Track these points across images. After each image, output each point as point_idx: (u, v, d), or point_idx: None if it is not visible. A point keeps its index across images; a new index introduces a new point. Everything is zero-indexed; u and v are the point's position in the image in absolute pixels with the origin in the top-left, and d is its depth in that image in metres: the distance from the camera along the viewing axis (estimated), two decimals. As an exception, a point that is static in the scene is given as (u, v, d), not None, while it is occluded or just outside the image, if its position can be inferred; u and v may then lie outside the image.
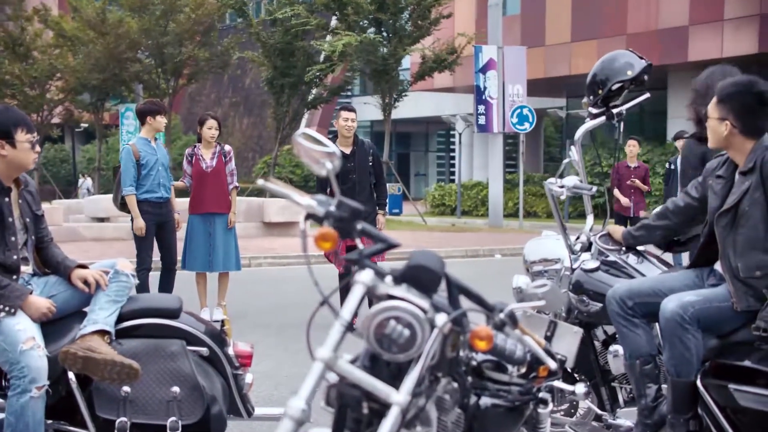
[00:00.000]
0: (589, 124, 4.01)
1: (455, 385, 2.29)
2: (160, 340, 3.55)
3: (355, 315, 2.17)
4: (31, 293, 3.52)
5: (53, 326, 3.52)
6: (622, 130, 4.05)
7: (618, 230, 3.99)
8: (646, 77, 3.93)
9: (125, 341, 3.51)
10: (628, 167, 11.71)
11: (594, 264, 3.88)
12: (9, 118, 3.56)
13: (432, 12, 21.84)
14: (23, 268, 3.60)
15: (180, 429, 3.43)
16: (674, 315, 3.33)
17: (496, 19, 21.10)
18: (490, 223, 21.05)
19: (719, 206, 3.42)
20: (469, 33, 22.59)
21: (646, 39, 21.40)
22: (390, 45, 21.64)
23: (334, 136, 7.66)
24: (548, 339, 3.64)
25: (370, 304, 2.18)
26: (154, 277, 7.75)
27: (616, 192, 11.61)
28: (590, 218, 4.16)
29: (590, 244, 4.03)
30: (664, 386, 3.54)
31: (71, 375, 3.41)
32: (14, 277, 3.54)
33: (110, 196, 8.77)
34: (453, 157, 36.19)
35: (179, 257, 8.02)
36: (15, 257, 3.54)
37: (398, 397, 2.07)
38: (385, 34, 21.91)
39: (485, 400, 2.35)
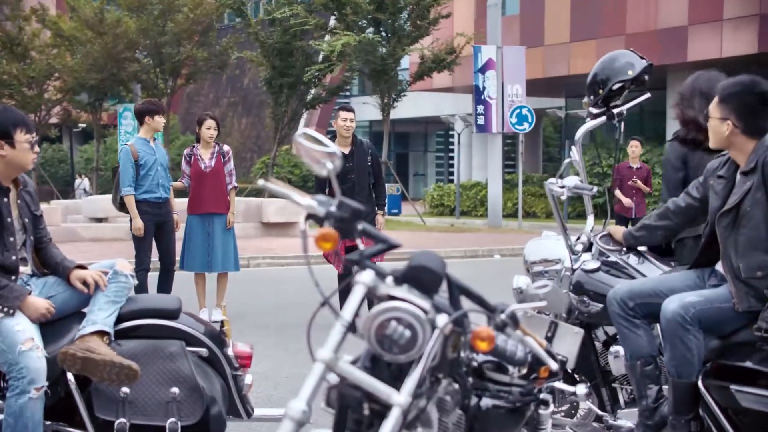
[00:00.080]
0: (590, 124, 4.00)
1: (456, 386, 2.29)
2: (160, 340, 3.54)
3: (356, 315, 2.17)
4: (29, 294, 3.51)
5: (52, 327, 3.51)
6: (622, 130, 4.04)
7: (619, 231, 3.98)
8: (646, 77, 3.92)
9: (124, 342, 3.50)
10: (630, 168, 11.70)
11: (595, 264, 3.87)
12: (8, 118, 3.55)
13: (431, 12, 21.83)
14: (22, 268, 3.59)
15: (179, 430, 3.42)
16: (675, 316, 3.32)
17: (495, 19, 21.10)
18: (489, 224, 21.05)
19: (720, 206, 3.41)
20: (468, 33, 22.59)
21: (645, 39, 21.39)
22: (389, 45, 21.63)
23: (332, 136, 7.65)
24: (549, 340, 3.64)
25: (370, 306, 2.17)
26: (153, 277, 7.73)
27: (618, 193, 11.59)
28: (591, 218, 4.15)
29: (591, 244, 4.02)
30: (665, 387, 3.54)
31: (70, 376, 3.40)
32: (13, 277, 3.52)
33: (109, 196, 8.76)
34: (452, 158, 36.19)
35: (178, 258, 8.01)
36: (14, 258, 3.53)
37: (399, 398, 2.07)
38: (383, 34, 21.91)
39: (486, 401, 2.35)
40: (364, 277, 2.19)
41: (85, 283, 3.56)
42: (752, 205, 3.28)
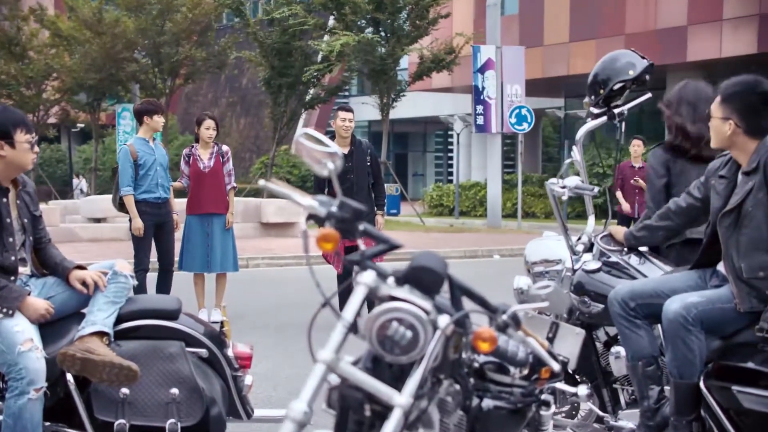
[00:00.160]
0: (591, 124, 3.99)
1: (457, 387, 2.29)
2: (159, 341, 3.53)
3: (357, 316, 2.16)
4: (29, 294, 3.50)
5: (51, 328, 3.50)
6: (623, 130, 4.03)
7: (620, 231, 3.97)
8: (647, 77, 3.92)
9: (124, 343, 3.49)
10: (632, 167, 11.68)
11: (596, 265, 3.86)
12: (8, 118, 3.54)
13: (430, 12, 21.81)
14: (21, 269, 3.58)
15: (179, 431, 3.41)
16: (677, 316, 3.31)
17: (494, 18, 21.08)
18: (489, 224, 21.04)
19: (722, 206, 3.40)
20: (467, 33, 22.57)
21: (644, 39, 21.38)
22: (388, 45, 21.62)
23: (331, 137, 7.63)
24: (550, 340, 3.63)
25: (369, 308, 2.16)
26: (151, 278, 7.72)
27: (619, 195, 11.57)
28: (592, 219, 4.14)
29: (592, 244, 4.01)
30: (666, 388, 3.53)
31: (69, 377, 3.39)
32: (12, 278, 3.51)
33: (107, 196, 8.75)
34: (451, 158, 36.18)
35: (176, 258, 7.99)
36: (13, 258, 3.52)
37: (401, 399, 2.06)
38: (383, 33, 21.90)
39: (487, 402, 2.34)
40: (366, 278, 2.18)
41: (84, 283, 3.55)
42: (754, 205, 3.27)
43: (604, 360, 3.93)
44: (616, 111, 3.94)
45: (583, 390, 2.96)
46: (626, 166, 11.77)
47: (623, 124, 3.99)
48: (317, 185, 7.60)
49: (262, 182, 2.34)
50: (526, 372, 2.40)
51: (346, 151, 7.57)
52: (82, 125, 32.48)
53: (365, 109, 25.50)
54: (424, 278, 2.16)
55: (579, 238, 4.07)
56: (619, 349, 3.72)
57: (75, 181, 32.47)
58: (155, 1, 24.80)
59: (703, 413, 3.34)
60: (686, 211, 3.73)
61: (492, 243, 16.10)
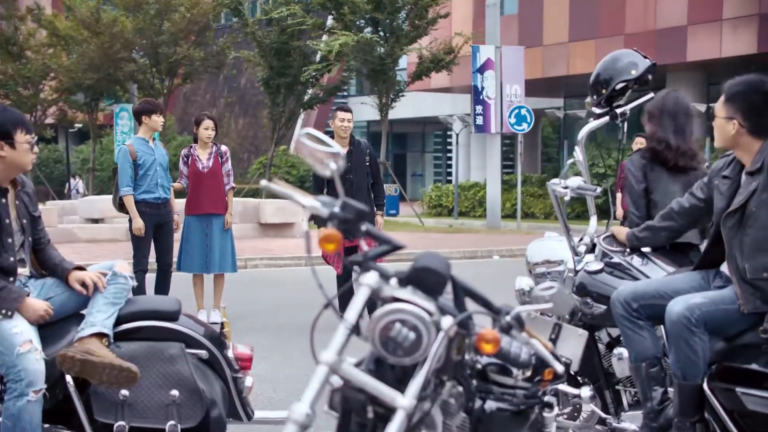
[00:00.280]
0: (593, 124, 3.98)
1: (460, 388, 2.27)
2: (159, 343, 3.51)
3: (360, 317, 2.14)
4: (28, 295, 3.48)
5: (51, 329, 3.48)
6: (625, 130, 4.01)
7: (622, 231, 3.96)
8: (650, 77, 3.90)
9: (123, 344, 3.47)
10: None
11: (598, 266, 3.84)
12: (8, 118, 3.52)
13: (429, 11, 21.79)
14: (20, 270, 3.56)
15: (179, 433, 3.40)
16: (680, 317, 3.30)
17: (493, 18, 21.06)
18: (488, 224, 21.02)
19: (726, 207, 3.38)
20: (466, 33, 22.56)
21: (644, 39, 21.38)
22: (387, 45, 21.60)
23: (330, 137, 7.62)
24: (552, 342, 3.61)
25: (370, 312, 2.15)
26: (149, 278, 7.69)
27: (618, 195, 11.54)
28: (594, 219, 4.13)
29: (594, 245, 3.99)
30: (670, 389, 3.51)
31: (69, 378, 3.37)
32: (11, 279, 3.49)
33: (105, 197, 8.72)
34: (450, 158, 36.17)
35: (174, 259, 7.96)
36: (12, 259, 3.50)
37: (404, 401, 2.05)
38: (381, 33, 21.87)
39: (490, 404, 2.33)
40: (368, 279, 2.16)
41: (83, 284, 3.53)
42: (758, 205, 3.25)
43: (606, 361, 3.92)
44: (618, 111, 3.92)
45: (586, 392, 2.95)
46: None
47: (625, 124, 3.98)
48: (316, 185, 7.58)
49: (264, 182, 2.33)
50: (529, 374, 2.39)
51: (345, 151, 7.53)
52: (80, 125, 32.48)
53: (364, 109, 25.49)
54: (427, 279, 2.15)
55: (581, 239, 4.06)
56: (621, 351, 3.70)
57: (72, 181, 32.42)
58: (153, 1, 24.81)
59: (707, 415, 3.33)
60: (689, 212, 3.72)
61: (491, 243, 16.08)
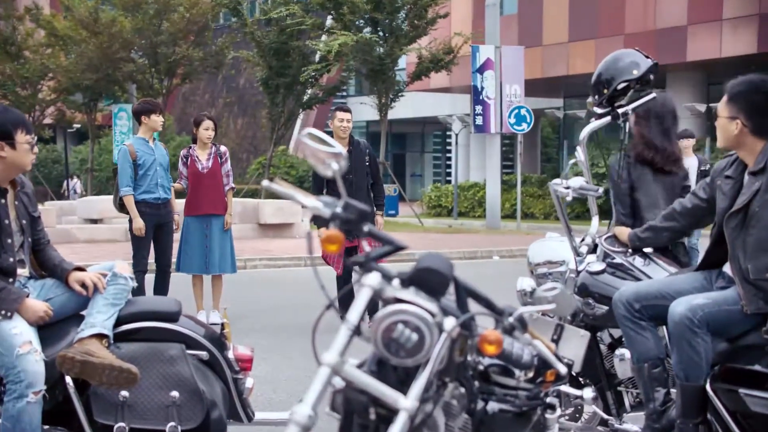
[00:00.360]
0: (595, 124, 3.96)
1: (462, 390, 2.27)
2: (159, 343, 3.49)
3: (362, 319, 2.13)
4: (27, 296, 3.46)
5: (50, 330, 3.47)
6: (627, 130, 4.00)
7: (624, 232, 3.94)
8: (652, 77, 3.89)
9: (123, 345, 3.46)
10: None
11: (600, 266, 3.83)
12: (9, 118, 3.51)
13: (428, 11, 21.77)
14: (20, 270, 3.54)
15: (179, 434, 3.38)
16: (683, 318, 3.28)
17: (493, 18, 21.05)
18: (488, 225, 21.00)
19: (728, 207, 3.37)
20: (465, 33, 22.55)
21: (644, 39, 21.38)
22: (386, 45, 21.58)
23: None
24: (554, 343, 3.59)
25: (370, 315, 2.14)
26: (148, 279, 7.67)
27: None
28: (595, 220, 4.12)
29: (596, 245, 3.98)
30: (672, 390, 3.50)
31: (69, 379, 3.36)
32: (10, 280, 3.48)
33: (103, 197, 8.70)
34: (449, 158, 36.16)
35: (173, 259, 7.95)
36: (11, 260, 3.48)
37: (406, 402, 2.04)
38: (381, 33, 21.85)
39: (492, 406, 2.32)
40: (371, 280, 2.15)
41: (83, 285, 3.51)
42: (761, 205, 3.24)
43: (608, 362, 3.90)
44: (620, 111, 3.91)
45: (588, 393, 2.94)
46: None
47: (627, 124, 3.97)
48: (316, 186, 7.56)
49: (265, 183, 2.31)
50: (531, 375, 2.38)
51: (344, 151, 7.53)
52: (78, 126, 32.45)
53: (363, 109, 25.48)
54: (429, 280, 2.14)
55: (583, 239, 4.04)
56: (623, 351, 3.69)
57: (72, 182, 32.39)
58: (152, 1, 24.78)
59: (710, 416, 3.32)
60: (691, 212, 3.71)
61: (491, 244, 16.06)
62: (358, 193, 7.51)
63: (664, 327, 3.51)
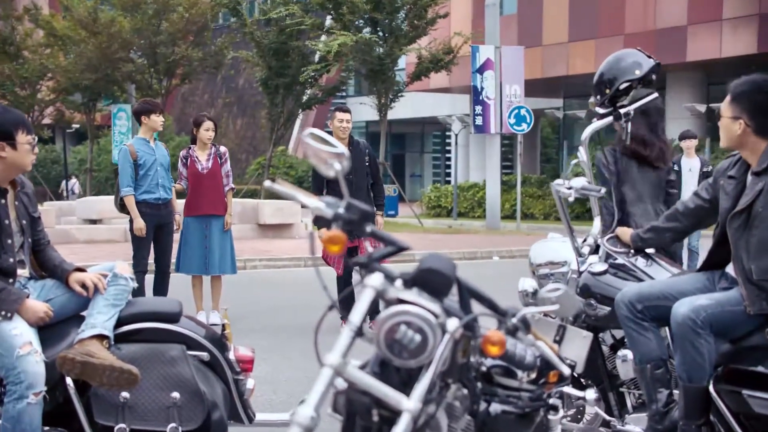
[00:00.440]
0: (597, 124, 3.96)
1: (465, 391, 2.26)
2: (160, 344, 3.49)
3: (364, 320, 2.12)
4: (27, 297, 3.45)
5: (51, 331, 3.46)
6: (629, 130, 3.99)
7: (626, 232, 3.93)
8: (654, 76, 3.88)
9: (124, 346, 3.45)
10: None
11: (602, 267, 3.82)
12: (9, 119, 3.50)
13: (428, 11, 21.76)
14: (20, 271, 3.53)
15: (180, 435, 3.37)
16: (686, 319, 3.27)
17: (493, 18, 21.04)
18: (487, 225, 20.99)
19: (731, 207, 3.36)
20: (465, 33, 22.53)
21: (644, 39, 21.37)
22: (386, 45, 21.57)
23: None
24: (557, 344, 3.58)
25: (371, 317, 2.12)
26: (148, 280, 7.65)
27: None
28: (597, 220, 4.10)
29: (598, 246, 3.97)
30: (675, 391, 3.49)
31: (69, 380, 3.35)
32: (10, 280, 3.47)
33: (102, 197, 8.69)
34: (449, 158, 36.14)
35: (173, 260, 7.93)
36: (11, 260, 3.47)
37: (409, 404, 2.03)
38: (380, 33, 21.84)
39: (495, 407, 2.31)
40: (373, 281, 2.14)
41: (84, 286, 3.50)
42: (764, 206, 3.23)
43: (610, 363, 3.89)
44: (622, 111, 3.90)
45: (591, 394, 2.93)
46: None
47: (629, 124, 3.96)
48: (315, 186, 7.55)
49: (267, 183, 2.30)
50: (534, 376, 2.37)
51: (345, 151, 7.51)
52: (77, 126, 32.45)
53: (363, 109, 25.48)
54: (432, 281, 2.13)
55: (585, 240, 4.03)
56: (626, 352, 3.68)
57: (69, 182, 32.37)
58: (151, 1, 24.77)
59: (713, 417, 3.31)
60: (694, 212, 3.70)
61: (491, 244, 16.05)
62: (358, 194, 7.50)
63: (667, 328, 3.50)
